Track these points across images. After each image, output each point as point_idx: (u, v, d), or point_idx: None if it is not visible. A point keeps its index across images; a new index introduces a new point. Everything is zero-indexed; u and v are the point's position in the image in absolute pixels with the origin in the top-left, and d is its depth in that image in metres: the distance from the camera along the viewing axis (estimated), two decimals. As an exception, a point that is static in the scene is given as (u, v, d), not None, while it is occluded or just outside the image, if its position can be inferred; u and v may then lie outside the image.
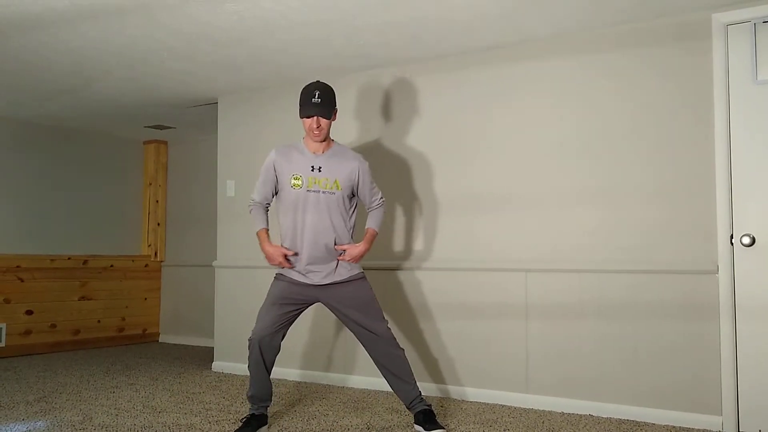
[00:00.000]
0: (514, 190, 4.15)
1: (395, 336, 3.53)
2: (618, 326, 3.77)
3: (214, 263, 5.46)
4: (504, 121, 4.22)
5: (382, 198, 3.65)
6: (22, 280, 6.24)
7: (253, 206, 3.56)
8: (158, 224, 7.40)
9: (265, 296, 3.50)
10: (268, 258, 3.45)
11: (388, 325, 3.49)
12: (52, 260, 6.47)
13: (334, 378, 4.74)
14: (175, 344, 7.09)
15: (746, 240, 3.43)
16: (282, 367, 4.79)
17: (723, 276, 3.49)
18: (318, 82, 3.44)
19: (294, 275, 3.45)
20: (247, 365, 3.46)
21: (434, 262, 4.39)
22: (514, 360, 4.08)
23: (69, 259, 6.61)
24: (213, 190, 6.57)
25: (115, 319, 7.00)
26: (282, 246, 3.44)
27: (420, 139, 4.51)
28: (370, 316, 3.44)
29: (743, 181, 3.47)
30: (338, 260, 3.43)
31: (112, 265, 6.98)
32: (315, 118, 3.35)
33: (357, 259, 3.47)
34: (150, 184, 7.39)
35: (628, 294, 3.75)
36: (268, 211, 3.58)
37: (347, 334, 4.64)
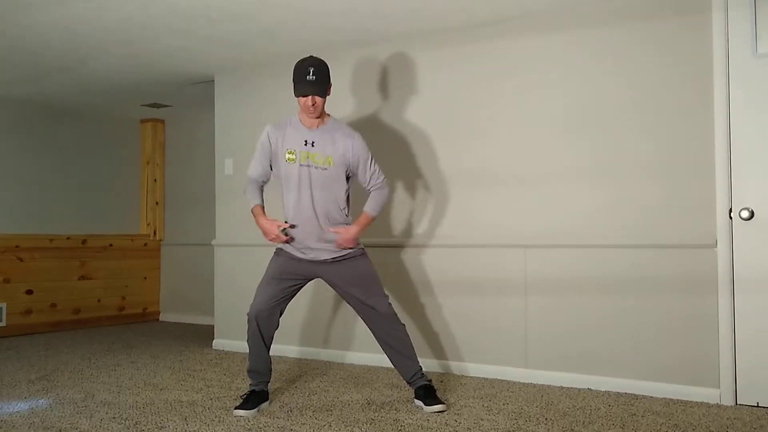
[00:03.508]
0: (513, 167, 4.14)
1: (396, 312, 3.54)
2: (616, 300, 3.79)
3: (213, 242, 5.46)
4: (503, 98, 4.19)
5: (382, 179, 3.53)
6: (22, 260, 6.24)
7: (248, 184, 3.53)
8: (157, 203, 7.39)
9: (264, 271, 3.51)
10: (265, 233, 3.43)
11: (389, 301, 3.50)
12: (51, 240, 6.47)
13: (333, 354, 4.77)
14: (175, 323, 7.12)
15: (745, 214, 3.43)
16: (281, 344, 4.81)
17: (722, 250, 3.49)
18: (311, 57, 3.39)
19: (293, 251, 3.45)
20: (246, 339, 3.48)
21: (434, 239, 4.40)
22: (514, 335, 4.10)
23: (68, 238, 6.61)
24: (211, 168, 6.54)
25: (116, 298, 7.02)
26: (279, 220, 3.43)
27: (419, 115, 4.48)
28: (371, 292, 3.45)
29: (742, 155, 3.46)
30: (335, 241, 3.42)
31: (111, 245, 6.98)
32: (310, 97, 3.33)
33: (350, 243, 3.41)
34: (148, 163, 7.37)
35: (627, 269, 3.76)
36: (262, 188, 3.55)
37: (346, 310, 4.66)
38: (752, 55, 3.45)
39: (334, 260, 3.43)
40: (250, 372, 3.49)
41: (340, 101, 4.63)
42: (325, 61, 3.41)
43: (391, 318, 3.47)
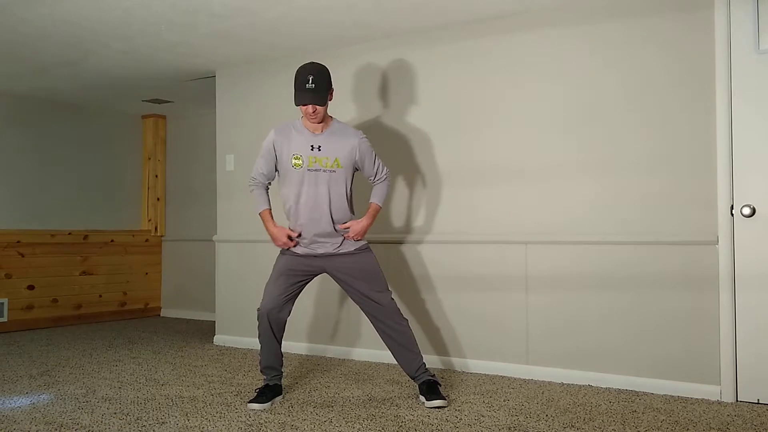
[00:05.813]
0: (514, 163, 4.13)
1: (398, 307, 3.55)
2: (617, 297, 3.79)
3: (215, 237, 5.46)
4: (505, 93, 4.19)
5: (386, 172, 3.64)
6: (23, 256, 6.25)
7: (254, 186, 3.56)
8: (158, 199, 7.39)
9: (271, 269, 3.52)
10: (274, 239, 3.49)
11: (392, 296, 3.52)
12: (52, 235, 6.47)
13: (335, 351, 4.77)
14: (176, 318, 7.13)
15: (746, 211, 3.43)
16: (285, 340, 4.80)
17: (723, 247, 3.49)
18: (311, 64, 3.39)
19: (300, 250, 3.48)
20: (257, 336, 3.50)
21: (435, 235, 4.40)
22: (515, 331, 4.10)
23: (69, 234, 6.61)
24: (212, 164, 6.55)
25: (117, 294, 7.03)
26: (287, 227, 3.48)
27: (420, 111, 4.48)
28: (375, 286, 3.47)
29: (744, 152, 3.45)
30: (344, 237, 3.46)
31: (112, 240, 6.99)
32: (310, 105, 3.34)
33: (361, 235, 3.48)
34: (149, 158, 7.38)
35: (628, 265, 3.76)
36: (268, 190, 3.58)
37: (351, 307, 4.66)
38: (754, 51, 3.44)
39: (340, 254, 3.46)
40: (264, 368, 3.52)
41: (343, 99, 4.62)
42: (325, 66, 3.41)
43: (394, 312, 3.49)
